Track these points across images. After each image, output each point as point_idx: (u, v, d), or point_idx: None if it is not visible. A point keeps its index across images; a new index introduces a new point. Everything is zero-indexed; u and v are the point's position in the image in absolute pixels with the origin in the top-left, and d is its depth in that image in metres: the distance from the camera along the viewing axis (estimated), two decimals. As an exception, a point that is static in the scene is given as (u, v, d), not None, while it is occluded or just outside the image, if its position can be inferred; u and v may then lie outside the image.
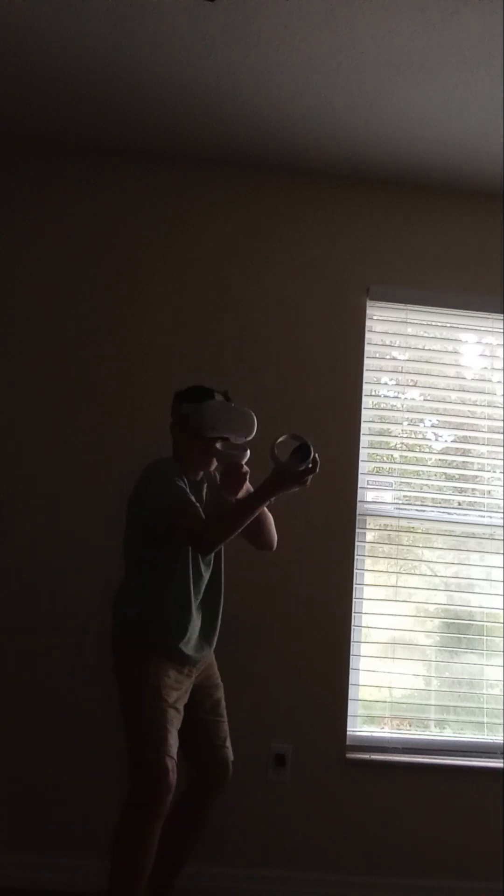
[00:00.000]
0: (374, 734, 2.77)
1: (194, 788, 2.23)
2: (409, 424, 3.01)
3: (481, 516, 2.92)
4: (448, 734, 2.84)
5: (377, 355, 3.00)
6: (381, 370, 3.01)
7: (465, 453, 3.03)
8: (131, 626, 2.17)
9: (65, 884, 2.48)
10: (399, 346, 3.06)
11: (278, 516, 2.32)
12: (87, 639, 2.62)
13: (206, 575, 2.24)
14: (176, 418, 2.28)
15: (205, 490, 2.30)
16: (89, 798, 2.57)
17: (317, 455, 2.06)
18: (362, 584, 2.84)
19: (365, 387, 2.91)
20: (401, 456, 3.00)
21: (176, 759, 2.03)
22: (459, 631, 2.91)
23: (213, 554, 2.23)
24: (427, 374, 3.04)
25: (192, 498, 2.12)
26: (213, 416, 2.20)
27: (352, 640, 2.75)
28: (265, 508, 2.19)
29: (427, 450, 3.04)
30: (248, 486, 2.24)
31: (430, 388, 3.04)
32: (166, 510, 2.07)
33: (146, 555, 2.16)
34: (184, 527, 2.07)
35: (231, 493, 2.23)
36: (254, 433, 2.21)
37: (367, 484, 2.91)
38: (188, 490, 2.14)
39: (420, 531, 2.92)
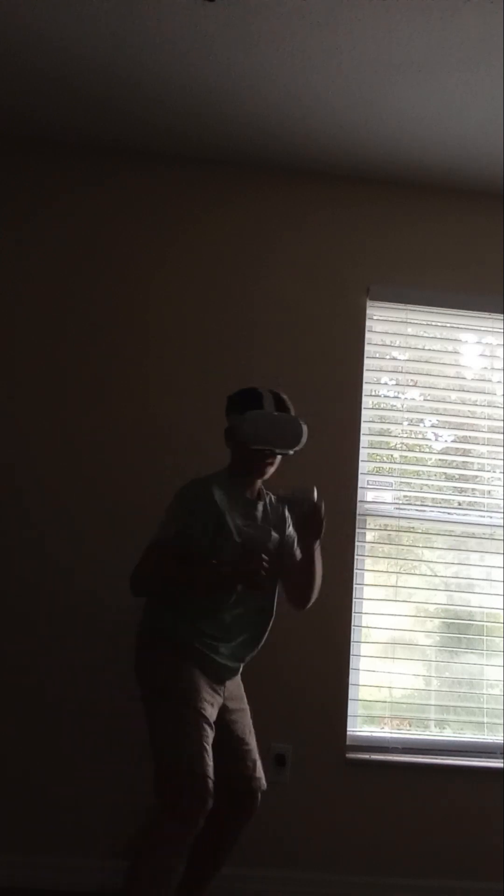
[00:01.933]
0: (374, 734, 2.77)
1: (219, 813, 2.02)
2: (409, 424, 3.01)
3: (481, 516, 2.92)
4: (448, 734, 2.84)
5: (377, 355, 3.00)
6: (381, 370, 3.01)
7: (465, 453, 3.03)
8: (165, 627, 2.08)
9: (65, 884, 2.48)
10: (399, 346, 3.06)
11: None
12: (88, 639, 2.62)
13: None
14: (227, 426, 2.23)
15: (260, 508, 2.22)
16: (89, 798, 2.57)
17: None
18: (362, 584, 2.84)
19: (365, 387, 2.91)
20: (401, 456, 3.00)
21: (213, 778, 1.90)
22: (459, 631, 2.91)
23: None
24: (427, 374, 3.04)
25: (192, 527, 2.03)
26: (255, 428, 2.11)
27: (352, 640, 2.75)
28: (316, 563, 2.17)
29: (427, 450, 3.04)
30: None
31: (430, 388, 3.04)
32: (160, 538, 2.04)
33: None
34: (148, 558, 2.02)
35: (307, 543, 2.16)
36: (301, 445, 2.16)
37: (367, 484, 2.91)
38: (217, 506, 2.06)
39: (420, 531, 2.92)
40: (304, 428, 2.15)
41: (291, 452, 2.16)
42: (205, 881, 2.17)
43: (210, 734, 1.97)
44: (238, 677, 2.21)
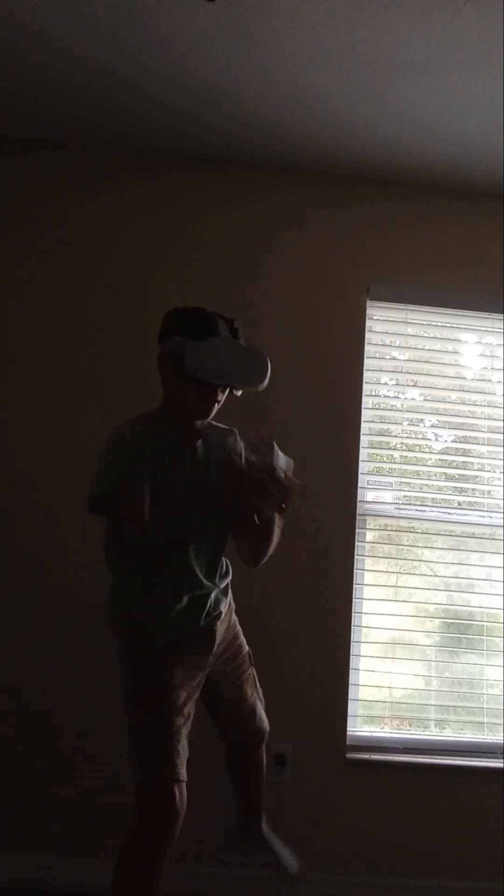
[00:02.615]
0: (374, 734, 2.77)
1: (231, 751, 2.15)
2: (409, 424, 3.01)
3: (481, 516, 2.92)
4: (448, 734, 2.84)
5: (377, 355, 3.00)
6: (381, 370, 3.01)
7: (465, 453, 3.03)
8: (120, 622, 1.97)
9: (65, 884, 2.48)
10: (399, 346, 3.06)
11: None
12: (88, 638, 2.62)
13: (202, 551, 1.95)
14: (166, 352, 1.86)
15: (199, 449, 1.94)
16: (89, 798, 2.57)
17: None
18: (362, 584, 2.84)
19: (365, 387, 2.91)
20: (401, 456, 3.00)
21: (185, 779, 1.83)
22: (459, 631, 2.91)
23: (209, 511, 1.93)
24: (427, 374, 3.04)
25: (141, 477, 1.75)
26: (215, 359, 1.78)
27: (352, 640, 2.75)
28: (276, 525, 1.90)
29: (427, 450, 3.04)
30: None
31: (430, 388, 3.04)
32: (104, 488, 1.76)
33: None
34: (114, 516, 1.77)
35: (262, 511, 1.84)
36: (266, 383, 1.87)
37: (367, 484, 2.91)
38: (155, 447, 1.81)
39: (420, 531, 2.92)
40: (269, 365, 1.85)
41: (259, 388, 1.86)
42: (256, 794, 2.22)
43: (182, 727, 1.87)
44: (226, 621, 2.06)
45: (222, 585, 2.07)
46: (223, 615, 2.06)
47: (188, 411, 1.91)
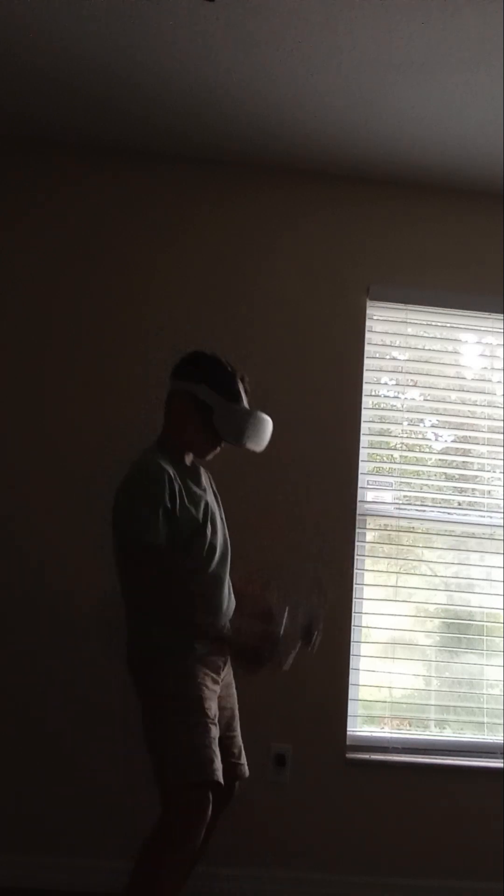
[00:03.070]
0: (374, 734, 2.77)
1: None
2: (409, 424, 3.01)
3: (481, 516, 2.92)
4: (448, 734, 2.84)
5: (377, 355, 3.00)
6: (381, 370, 3.01)
7: (465, 453, 3.03)
8: (159, 633, 1.98)
9: (65, 884, 2.48)
10: (399, 346, 3.06)
11: (279, 516, 2.31)
12: (88, 638, 2.62)
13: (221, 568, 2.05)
14: (191, 394, 2.03)
15: (203, 478, 2.13)
16: (89, 798, 2.57)
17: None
18: (362, 584, 2.84)
19: (365, 387, 2.91)
20: (401, 456, 3.00)
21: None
22: (459, 631, 2.91)
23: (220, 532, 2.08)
24: (427, 374, 3.04)
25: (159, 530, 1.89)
26: (243, 427, 2.01)
27: (352, 640, 2.75)
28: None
29: (427, 450, 3.04)
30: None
31: (430, 388, 3.04)
32: (129, 546, 1.91)
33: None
34: (138, 577, 1.91)
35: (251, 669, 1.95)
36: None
37: (367, 484, 2.91)
38: (175, 485, 1.93)
39: (420, 531, 2.92)
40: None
41: (258, 451, 2.11)
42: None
43: (216, 734, 1.94)
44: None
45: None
46: None
47: (195, 451, 2.10)
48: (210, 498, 2.11)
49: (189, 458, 2.11)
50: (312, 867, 2.61)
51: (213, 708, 1.95)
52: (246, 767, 2.17)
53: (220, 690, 2.05)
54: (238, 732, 2.18)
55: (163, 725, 1.91)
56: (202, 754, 1.86)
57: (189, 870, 1.98)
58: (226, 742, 2.09)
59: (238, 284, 2.91)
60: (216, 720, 1.96)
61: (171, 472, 1.95)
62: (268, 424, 2.09)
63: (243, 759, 2.16)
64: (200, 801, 1.85)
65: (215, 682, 2.01)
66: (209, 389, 2.02)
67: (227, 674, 2.13)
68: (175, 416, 2.08)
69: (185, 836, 1.84)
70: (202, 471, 2.16)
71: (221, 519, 2.15)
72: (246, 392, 2.10)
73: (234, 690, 2.20)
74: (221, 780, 1.87)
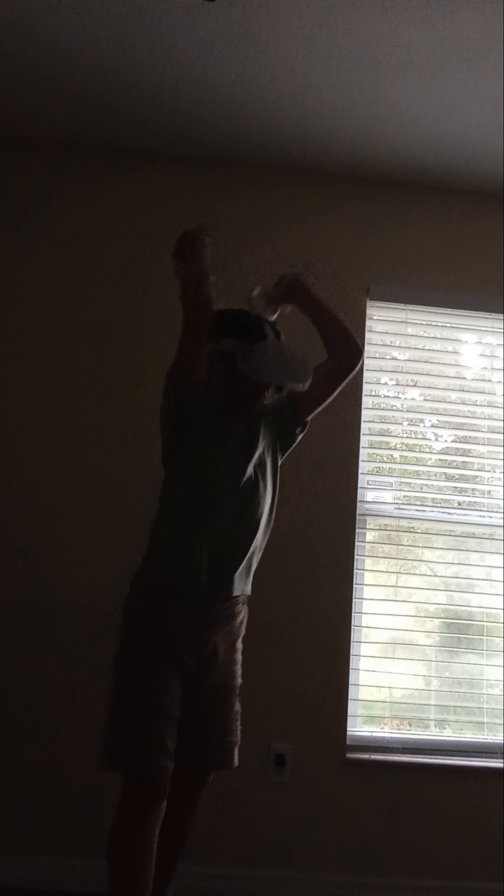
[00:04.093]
0: (374, 734, 2.76)
1: (191, 766, 1.97)
2: (409, 424, 3.01)
3: (481, 516, 2.92)
4: (448, 734, 2.84)
5: (377, 355, 3.00)
6: (381, 370, 3.01)
7: (465, 453, 3.03)
8: (163, 572, 1.91)
9: (65, 884, 2.48)
10: (399, 346, 3.06)
11: (279, 515, 2.31)
12: (88, 636, 2.62)
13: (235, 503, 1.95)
14: (212, 354, 1.94)
15: (262, 425, 2.04)
16: (90, 798, 2.57)
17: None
18: (362, 584, 2.84)
19: (365, 387, 2.91)
20: (401, 456, 3.00)
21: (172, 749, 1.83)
22: (459, 631, 2.91)
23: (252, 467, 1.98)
24: (427, 374, 3.04)
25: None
26: (266, 361, 1.91)
27: (352, 640, 2.75)
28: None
29: (427, 450, 3.04)
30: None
31: (430, 388, 3.04)
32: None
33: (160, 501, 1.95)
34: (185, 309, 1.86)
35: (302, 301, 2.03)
36: (308, 383, 1.98)
37: (367, 484, 2.91)
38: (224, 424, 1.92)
39: (420, 531, 2.92)
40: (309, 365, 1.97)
41: (302, 388, 1.98)
42: (173, 859, 2.09)
43: (177, 701, 1.86)
44: (234, 607, 2.02)
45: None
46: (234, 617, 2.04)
47: (237, 410, 2.01)
48: (250, 451, 2.00)
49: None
50: (312, 867, 2.61)
51: (171, 691, 1.86)
52: (230, 756, 2.01)
53: (207, 667, 1.94)
54: (227, 714, 2.01)
55: (112, 704, 1.88)
56: (137, 743, 1.81)
57: (167, 862, 1.96)
58: (208, 722, 1.97)
59: (238, 284, 2.90)
60: (173, 704, 1.86)
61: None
62: (297, 358, 1.96)
63: (227, 745, 2.00)
64: (135, 795, 1.81)
65: (188, 654, 1.90)
66: (230, 339, 1.96)
67: (218, 642, 1.98)
68: (207, 378, 1.97)
69: (132, 822, 1.82)
70: (261, 430, 2.04)
71: (257, 474, 2.01)
72: (278, 335, 2.02)
73: (236, 667, 2.06)
74: (161, 772, 1.80)
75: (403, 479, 2.95)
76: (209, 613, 1.96)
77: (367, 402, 2.93)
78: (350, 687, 2.72)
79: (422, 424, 3.03)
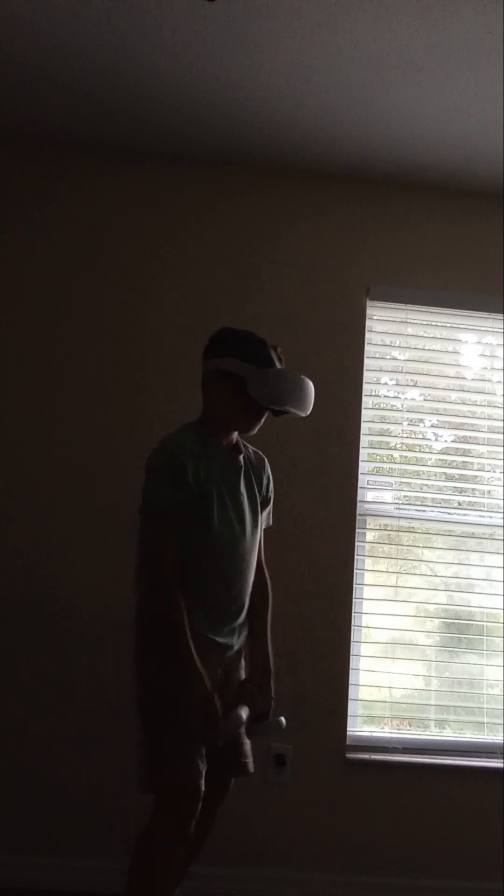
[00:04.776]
0: (374, 734, 2.77)
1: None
2: (409, 424, 3.01)
3: (481, 516, 2.92)
4: (448, 734, 2.84)
5: (377, 355, 3.00)
6: (381, 370, 3.01)
7: (465, 453, 3.03)
8: (159, 624, 1.94)
9: (65, 884, 2.48)
10: (399, 346, 3.06)
11: (279, 516, 2.31)
12: (89, 636, 2.62)
13: (240, 553, 2.02)
14: (223, 371, 1.99)
15: (242, 461, 2.08)
16: (90, 798, 2.57)
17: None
18: (362, 584, 2.84)
19: (365, 387, 2.91)
20: (401, 456, 3.00)
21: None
22: (459, 631, 2.91)
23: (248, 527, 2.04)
24: (427, 374, 3.04)
25: (177, 506, 1.89)
26: (277, 388, 1.96)
27: (352, 640, 2.75)
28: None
29: (427, 450, 3.04)
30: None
31: (430, 388, 3.04)
32: (148, 517, 1.92)
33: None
34: (149, 550, 1.91)
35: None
36: (310, 410, 2.05)
37: (367, 484, 2.91)
38: (203, 465, 1.92)
39: (420, 531, 2.92)
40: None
41: (304, 413, 2.04)
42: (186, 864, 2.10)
43: (211, 736, 1.89)
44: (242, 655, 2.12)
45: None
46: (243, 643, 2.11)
47: (237, 428, 2.07)
48: (242, 481, 2.06)
49: (230, 438, 2.08)
50: (312, 867, 2.61)
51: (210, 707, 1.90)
52: (251, 764, 2.11)
53: (226, 686, 2.01)
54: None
55: (149, 721, 1.90)
56: (183, 755, 1.83)
57: (182, 870, 1.98)
58: (232, 737, 2.04)
59: (238, 284, 2.91)
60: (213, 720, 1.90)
61: (197, 449, 1.95)
62: (307, 385, 2.02)
63: (249, 756, 2.09)
64: (181, 804, 1.82)
65: (212, 676, 1.94)
66: (239, 361, 1.98)
67: (236, 668, 2.10)
68: (208, 396, 2.05)
69: (169, 837, 1.83)
70: (242, 458, 2.09)
71: (249, 507, 2.07)
72: (279, 360, 2.06)
73: (244, 670, 2.14)
74: (201, 786, 1.84)
75: (403, 479, 2.95)
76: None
77: (367, 402, 2.93)
78: (350, 687, 2.72)
79: (422, 424, 3.03)
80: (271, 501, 2.23)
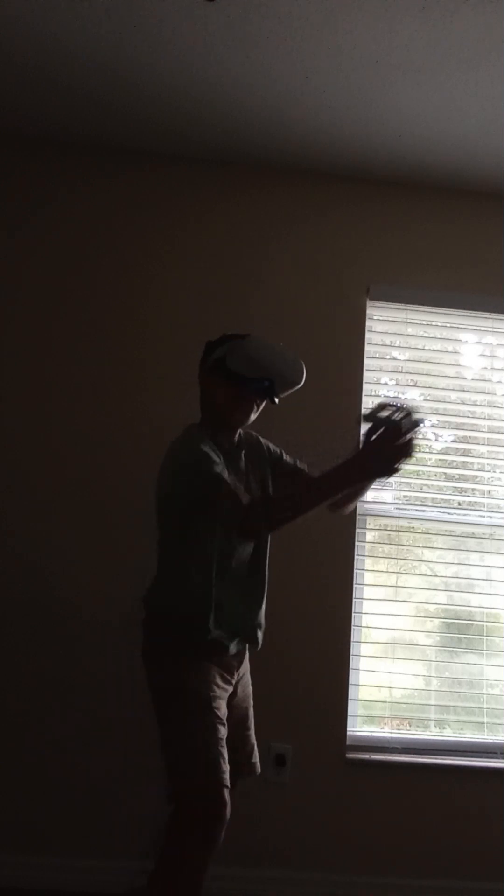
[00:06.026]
0: (374, 734, 2.77)
1: None
2: (409, 424, 3.01)
3: (481, 516, 2.92)
4: (448, 734, 2.84)
5: (377, 355, 3.00)
6: (381, 370, 3.01)
7: (465, 453, 3.03)
8: (170, 624, 1.96)
9: (64, 884, 2.48)
10: (399, 346, 3.06)
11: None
12: (90, 637, 2.62)
13: (247, 557, 2.03)
14: (206, 367, 2.01)
15: (243, 457, 2.07)
16: (91, 798, 2.57)
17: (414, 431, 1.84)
18: (362, 584, 2.84)
19: (365, 387, 2.91)
20: (401, 456, 3.00)
21: (230, 786, 1.84)
22: (459, 631, 2.91)
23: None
24: (427, 374, 3.04)
25: (225, 472, 1.86)
26: (257, 353, 1.91)
27: (352, 640, 2.75)
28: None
29: (427, 450, 3.04)
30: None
31: (430, 388, 3.04)
32: (198, 486, 1.84)
33: (178, 542, 1.97)
34: (222, 506, 1.82)
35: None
36: (303, 381, 1.99)
37: (367, 484, 2.91)
38: (221, 461, 1.89)
39: (420, 531, 2.92)
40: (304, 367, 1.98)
41: (293, 389, 2.00)
42: None
43: (224, 733, 1.88)
44: (246, 656, 2.13)
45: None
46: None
47: (232, 418, 2.03)
48: (250, 477, 2.07)
49: (231, 438, 2.07)
50: (312, 867, 2.61)
51: (221, 707, 1.90)
52: (258, 765, 2.13)
53: (234, 688, 2.03)
54: (252, 730, 2.15)
55: (170, 724, 1.88)
56: (208, 757, 1.81)
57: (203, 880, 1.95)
58: (240, 739, 2.07)
59: (238, 284, 2.91)
60: (224, 720, 1.90)
61: (207, 446, 1.93)
62: (290, 352, 1.96)
63: (256, 758, 2.12)
64: (210, 803, 1.79)
65: (227, 680, 1.98)
66: (221, 348, 1.99)
67: (244, 672, 2.11)
68: (203, 398, 2.05)
69: (200, 839, 1.80)
70: (242, 454, 2.09)
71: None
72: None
73: (251, 689, 2.17)
74: (227, 783, 1.82)
75: (403, 479, 2.95)
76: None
77: (367, 402, 2.92)
78: (350, 687, 2.72)
79: (422, 424, 3.02)
80: (283, 454, 2.21)
